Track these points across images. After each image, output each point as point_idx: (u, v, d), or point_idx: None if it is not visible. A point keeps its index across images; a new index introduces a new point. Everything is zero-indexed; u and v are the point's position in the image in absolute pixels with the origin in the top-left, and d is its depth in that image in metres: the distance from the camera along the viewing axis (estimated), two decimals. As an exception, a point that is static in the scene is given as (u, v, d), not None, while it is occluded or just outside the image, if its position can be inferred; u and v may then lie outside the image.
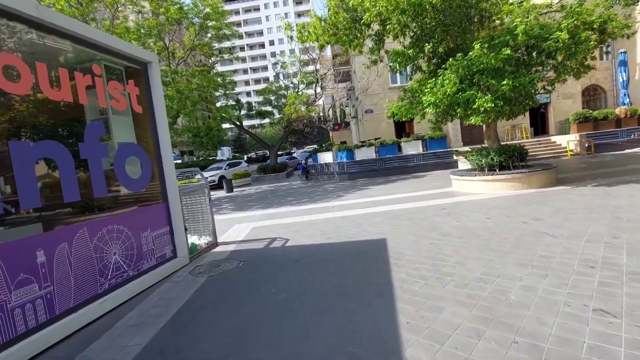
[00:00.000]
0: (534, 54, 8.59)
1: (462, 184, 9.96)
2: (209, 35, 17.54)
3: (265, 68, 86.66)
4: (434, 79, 9.14)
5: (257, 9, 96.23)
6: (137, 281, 4.48)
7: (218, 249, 6.40)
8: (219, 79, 15.50)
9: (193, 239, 6.29)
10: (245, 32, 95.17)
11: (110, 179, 4.38)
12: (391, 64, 11.97)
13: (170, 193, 5.34)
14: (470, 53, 8.09)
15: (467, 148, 14.38)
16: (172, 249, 5.33)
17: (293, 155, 38.32)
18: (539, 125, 22.80)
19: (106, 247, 4.13)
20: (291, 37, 17.40)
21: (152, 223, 4.97)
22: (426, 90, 9.07)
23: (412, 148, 18.19)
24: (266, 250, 5.96)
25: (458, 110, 8.83)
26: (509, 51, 7.50)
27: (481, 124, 9.14)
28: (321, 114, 24.64)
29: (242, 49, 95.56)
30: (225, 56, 19.76)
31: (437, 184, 11.90)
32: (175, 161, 33.42)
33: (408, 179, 14.80)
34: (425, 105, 9.31)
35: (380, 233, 6.09)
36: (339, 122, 44.56)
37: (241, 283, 4.42)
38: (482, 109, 7.96)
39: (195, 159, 38.25)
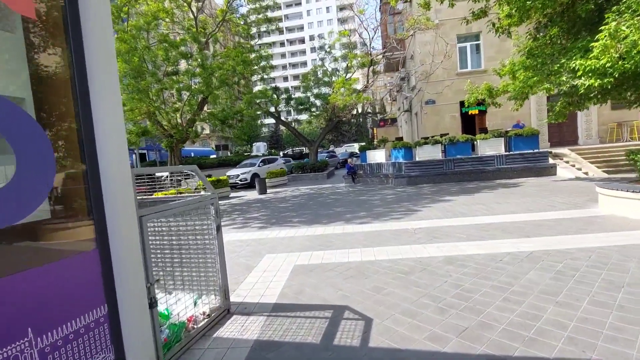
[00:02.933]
0: None
1: (623, 205, 6.17)
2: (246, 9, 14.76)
3: (305, 64, 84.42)
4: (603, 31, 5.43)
5: (298, 3, 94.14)
6: None
7: (230, 324, 3.33)
8: (252, 55, 12.60)
9: (180, 301, 3.27)
10: (286, 27, 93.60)
11: None
12: (495, 23, 8.41)
13: (114, 227, 2.29)
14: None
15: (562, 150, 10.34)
16: (115, 356, 2.29)
17: (333, 153, 35.13)
18: (652, 124, 17.76)
19: None
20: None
21: (57, 305, 1.95)
22: (594, 45, 5.39)
23: (490, 147, 14.30)
24: (329, 348, 2.79)
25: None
26: None
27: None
28: (372, 105, 21.18)
29: (282, 44, 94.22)
30: (264, 31, 16.85)
31: (558, 199, 8.13)
32: (211, 156, 31.02)
33: (493, 187, 11.04)
34: (581, 72, 5.64)
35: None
36: (383, 117, 40.75)
37: None
38: None
39: (229, 154, 36.43)
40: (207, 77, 10.67)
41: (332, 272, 4.50)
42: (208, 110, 12.70)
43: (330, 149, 45.99)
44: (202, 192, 3.89)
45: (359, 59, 17.06)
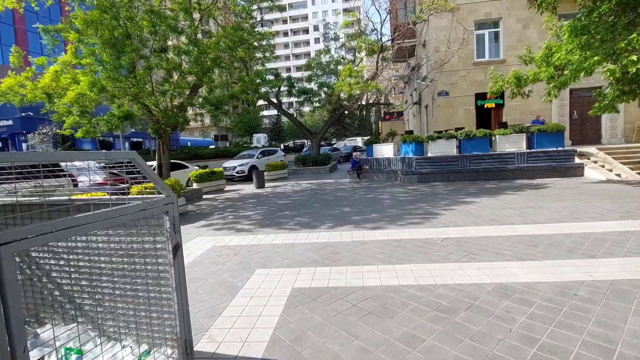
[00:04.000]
0: None
1: None
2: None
3: (308, 55, 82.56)
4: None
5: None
6: None
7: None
8: (245, 34, 11.25)
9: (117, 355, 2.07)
10: (289, 17, 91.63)
11: None
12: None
13: None
14: None
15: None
16: None
17: (335, 146, 33.84)
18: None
19: None
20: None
21: None
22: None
23: (510, 144, 13.05)
24: None
25: None
26: None
27: None
28: (381, 94, 19.79)
29: (285, 34, 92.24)
30: (266, 7, 15.32)
31: (602, 205, 6.91)
32: (210, 146, 29.76)
33: (517, 188, 9.82)
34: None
35: None
36: (389, 111, 39.35)
37: None
38: None
39: (228, 144, 35.14)
40: (197, 55, 9.40)
41: (344, 302, 3.31)
42: (202, 95, 11.38)
43: (333, 142, 44.70)
44: (157, 196, 2.63)
45: (369, 43, 15.66)
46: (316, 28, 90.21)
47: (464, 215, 6.79)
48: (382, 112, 45.25)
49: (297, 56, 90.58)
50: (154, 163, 11.94)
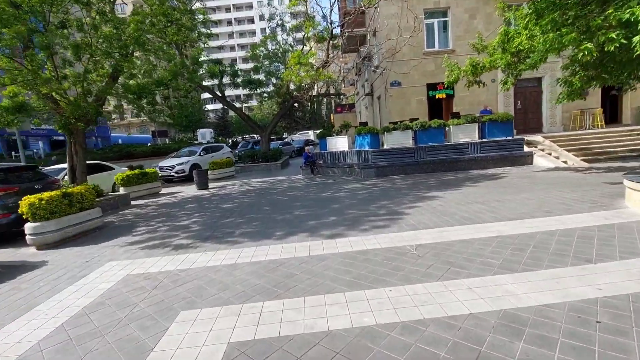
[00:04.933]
0: None
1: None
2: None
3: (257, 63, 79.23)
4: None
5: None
6: None
7: None
8: (176, 13, 9.61)
9: None
10: (233, 5, 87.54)
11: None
12: None
13: None
14: None
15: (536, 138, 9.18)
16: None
17: (287, 140, 32.54)
18: (609, 112, 17.83)
19: None
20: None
21: None
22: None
23: (464, 134, 12.93)
24: None
25: None
26: None
27: None
28: (332, 84, 18.86)
29: (229, 23, 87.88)
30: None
31: (565, 195, 6.65)
32: (149, 144, 26.65)
33: (476, 179, 9.54)
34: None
35: None
36: (340, 102, 38.89)
37: None
38: None
39: (167, 141, 32.05)
40: (111, 33, 7.64)
41: (303, 365, 2.27)
42: (124, 85, 9.48)
43: (285, 136, 43.35)
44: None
45: (318, 28, 14.61)
46: (262, 18, 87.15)
47: (431, 213, 6.10)
48: (334, 104, 44.82)
49: (242, 47, 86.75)
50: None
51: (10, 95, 8.03)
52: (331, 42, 14.43)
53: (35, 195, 5.97)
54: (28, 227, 5.87)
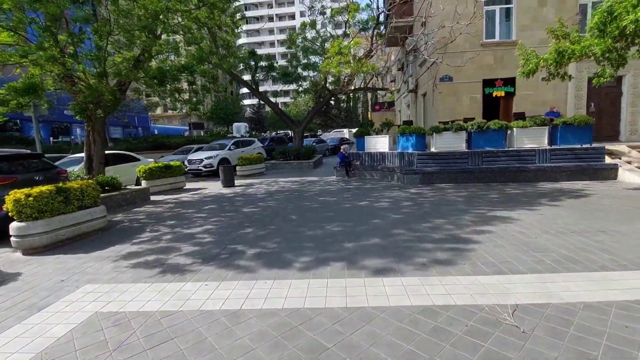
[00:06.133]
0: None
1: None
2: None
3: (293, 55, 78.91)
4: None
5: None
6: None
7: None
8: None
9: None
10: (275, 1, 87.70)
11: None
12: None
13: None
14: None
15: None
16: None
17: (321, 137, 31.26)
18: None
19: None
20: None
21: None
22: None
23: (530, 139, 10.91)
24: None
25: None
26: None
27: None
28: (377, 76, 17.27)
29: (270, 19, 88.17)
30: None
31: None
32: (185, 133, 26.54)
33: (552, 196, 7.63)
34: None
35: None
36: (377, 101, 37.03)
37: None
38: None
39: (202, 133, 31.98)
40: (128, 8, 6.72)
41: None
42: (153, 68, 8.59)
43: (319, 133, 42.15)
44: None
45: (362, 15, 13.11)
46: (302, 14, 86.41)
47: (512, 244, 4.48)
48: (370, 102, 42.94)
49: (282, 43, 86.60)
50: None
51: (28, 77, 7.36)
52: (376, 30, 12.84)
53: (22, 189, 5.06)
54: (12, 227, 4.98)
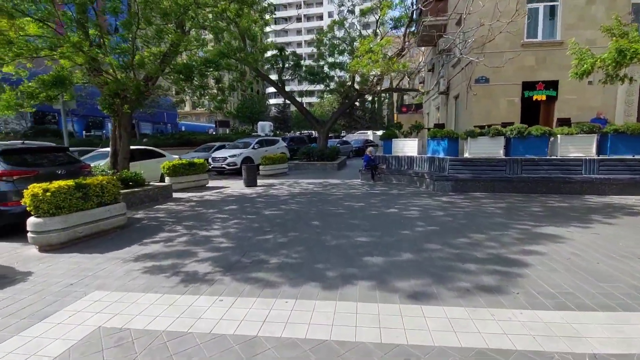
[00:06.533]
0: None
1: None
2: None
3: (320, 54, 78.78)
4: None
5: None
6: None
7: None
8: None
9: None
10: (303, 1, 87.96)
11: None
12: None
13: None
14: None
15: None
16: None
17: (345, 139, 30.76)
18: None
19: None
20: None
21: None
22: None
23: (575, 147, 9.99)
24: None
25: None
26: None
27: None
28: (409, 77, 16.66)
29: (299, 19, 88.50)
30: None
31: None
32: (210, 131, 26.80)
33: (604, 212, 6.81)
34: None
35: None
36: (403, 103, 36.10)
37: None
38: None
39: (228, 131, 32.27)
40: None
41: None
42: (179, 63, 8.45)
43: (343, 134, 41.62)
44: None
45: (395, 12, 12.51)
46: (330, 15, 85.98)
47: (567, 269, 3.86)
48: (396, 104, 41.96)
49: (309, 43, 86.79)
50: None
51: (58, 69, 7.36)
52: (409, 29, 12.23)
53: (41, 184, 4.92)
54: (29, 222, 4.85)
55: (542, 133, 9.95)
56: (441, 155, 10.86)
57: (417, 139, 12.65)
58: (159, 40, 8.52)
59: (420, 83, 27.83)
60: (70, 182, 5.18)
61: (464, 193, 9.60)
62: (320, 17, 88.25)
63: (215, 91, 9.75)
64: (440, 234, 5.46)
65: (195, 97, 9.62)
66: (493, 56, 13.18)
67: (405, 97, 37.56)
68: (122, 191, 8.09)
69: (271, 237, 5.44)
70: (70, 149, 13.62)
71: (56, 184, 5.02)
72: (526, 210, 7.15)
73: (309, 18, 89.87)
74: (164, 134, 26.53)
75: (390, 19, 12.90)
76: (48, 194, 4.83)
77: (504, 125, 10.83)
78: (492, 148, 10.33)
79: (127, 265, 4.28)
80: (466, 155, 10.59)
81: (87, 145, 15.27)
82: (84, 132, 22.28)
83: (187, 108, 58.49)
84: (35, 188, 4.86)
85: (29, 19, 6.31)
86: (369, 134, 35.60)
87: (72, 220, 5.13)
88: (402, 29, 12.38)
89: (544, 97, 13.55)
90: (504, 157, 10.16)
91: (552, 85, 13.42)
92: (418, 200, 8.54)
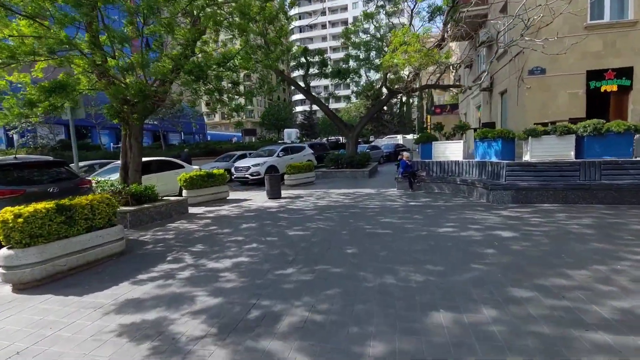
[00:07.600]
0: None
1: None
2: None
3: (347, 48, 78.00)
4: None
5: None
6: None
7: None
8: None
9: None
10: (328, 8, 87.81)
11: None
12: None
13: None
14: None
15: None
16: None
17: (375, 144, 29.22)
18: None
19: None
20: None
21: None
22: None
23: (671, 146, 8.00)
24: None
25: None
26: None
27: None
28: (452, 71, 15.12)
29: (323, 26, 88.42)
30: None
31: None
32: (234, 139, 26.23)
33: None
34: None
35: None
36: (433, 103, 34.05)
37: None
38: None
39: (254, 139, 31.79)
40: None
41: None
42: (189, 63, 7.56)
43: (371, 139, 40.06)
44: None
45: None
46: (355, 6, 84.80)
47: None
48: (426, 106, 39.82)
49: (334, 49, 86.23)
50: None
51: (62, 77, 6.66)
52: (449, 16, 10.72)
53: (14, 207, 4.01)
54: (0, 255, 3.94)
55: (625, 129, 8.07)
56: (494, 159, 9.22)
57: (461, 141, 11.04)
58: (169, 34, 7.60)
59: (456, 80, 25.86)
60: (50, 204, 4.24)
61: (529, 204, 7.91)
62: (345, 22, 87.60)
63: (232, 95, 8.75)
64: (523, 269, 3.98)
65: (212, 102, 8.69)
66: (550, 43, 11.26)
67: (435, 98, 35.52)
68: (130, 208, 7.28)
69: (292, 272, 4.20)
70: (92, 162, 13.20)
71: (31, 207, 4.09)
72: (627, 230, 5.44)
73: (333, 11, 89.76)
74: (190, 143, 26.32)
75: (427, 8, 11.43)
76: (20, 219, 3.90)
77: (573, 121, 9.02)
78: (559, 149, 8.57)
79: (102, 320, 3.20)
80: (526, 158, 8.89)
81: (115, 158, 14.96)
82: (111, 144, 22.37)
83: (217, 118, 59.38)
84: (6, 213, 3.95)
85: (18, 16, 5.62)
86: (399, 138, 33.83)
87: (52, 250, 4.18)
88: (441, 18, 10.87)
89: (615, 88, 11.46)
90: (575, 159, 8.37)
91: (625, 73, 11.35)
92: (473, 215, 7.00)
